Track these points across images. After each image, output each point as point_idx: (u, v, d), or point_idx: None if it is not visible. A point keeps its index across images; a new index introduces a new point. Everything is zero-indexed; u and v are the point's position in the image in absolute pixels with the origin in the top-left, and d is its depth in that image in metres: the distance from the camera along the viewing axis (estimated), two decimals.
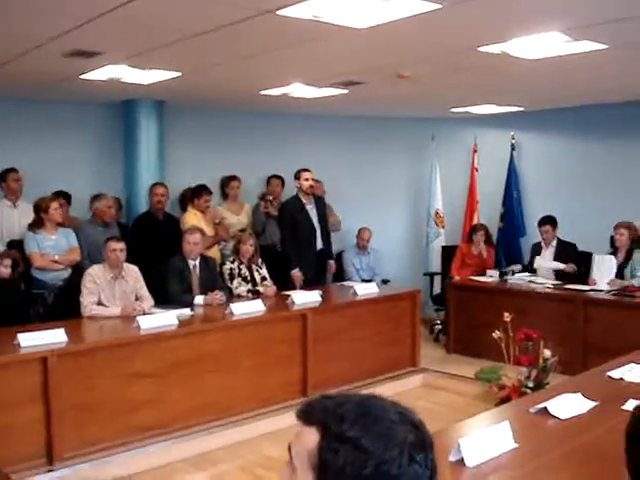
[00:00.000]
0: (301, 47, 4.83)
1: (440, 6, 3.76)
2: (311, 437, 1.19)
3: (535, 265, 7.78)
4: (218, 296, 6.24)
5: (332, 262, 7.68)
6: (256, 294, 6.65)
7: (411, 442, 1.16)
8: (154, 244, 6.97)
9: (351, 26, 4.20)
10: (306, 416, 1.22)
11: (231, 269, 6.78)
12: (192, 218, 7.36)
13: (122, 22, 4.14)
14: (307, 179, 7.27)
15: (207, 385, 5.50)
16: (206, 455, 5.18)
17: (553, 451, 2.78)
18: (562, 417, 3.11)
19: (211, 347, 5.56)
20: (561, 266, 7.57)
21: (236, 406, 5.65)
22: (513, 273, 7.75)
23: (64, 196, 7.21)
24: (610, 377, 3.77)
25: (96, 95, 7.12)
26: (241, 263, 6.82)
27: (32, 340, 4.76)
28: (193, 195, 7.59)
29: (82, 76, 5.88)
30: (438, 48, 5.03)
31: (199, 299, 6.21)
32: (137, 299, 5.96)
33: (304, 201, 7.32)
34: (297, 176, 7.34)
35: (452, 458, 2.62)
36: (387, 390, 6.46)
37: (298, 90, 6.89)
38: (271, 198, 8.22)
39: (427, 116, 9.33)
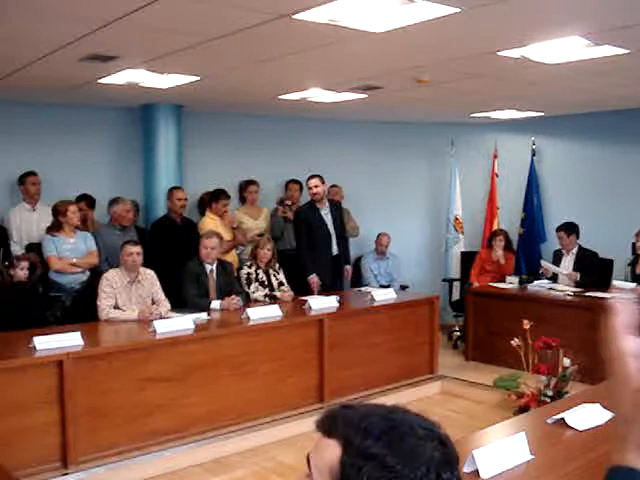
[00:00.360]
0: (318, 51, 4.81)
1: (459, 10, 3.72)
2: (332, 450, 1.14)
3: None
4: (235, 301, 6.22)
5: (349, 267, 7.64)
6: (273, 299, 6.63)
7: (438, 460, 1.11)
8: (172, 248, 6.98)
9: (368, 30, 4.17)
10: (327, 427, 1.17)
11: (248, 274, 6.76)
12: (210, 222, 7.36)
13: (139, 26, 4.13)
14: (311, 187, 7.25)
15: (223, 390, 5.48)
16: (221, 460, 5.16)
17: (570, 464, 2.72)
18: (580, 428, 3.05)
19: (227, 352, 5.54)
20: (564, 272, 7.50)
21: (252, 411, 5.63)
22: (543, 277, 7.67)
23: (88, 199, 7.24)
24: None
25: (115, 99, 7.14)
26: (258, 268, 6.80)
27: (48, 343, 4.77)
28: (211, 199, 7.58)
29: (100, 80, 5.89)
30: (457, 52, 4.98)
31: (216, 304, 6.20)
32: (153, 303, 5.96)
33: (319, 206, 7.29)
34: (307, 182, 7.34)
35: (466, 469, 2.57)
36: (404, 397, 6.43)
37: (316, 94, 6.87)
38: (289, 203, 8.20)
39: (446, 121, 9.28)
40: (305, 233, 7.23)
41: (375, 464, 1.09)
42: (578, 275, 7.42)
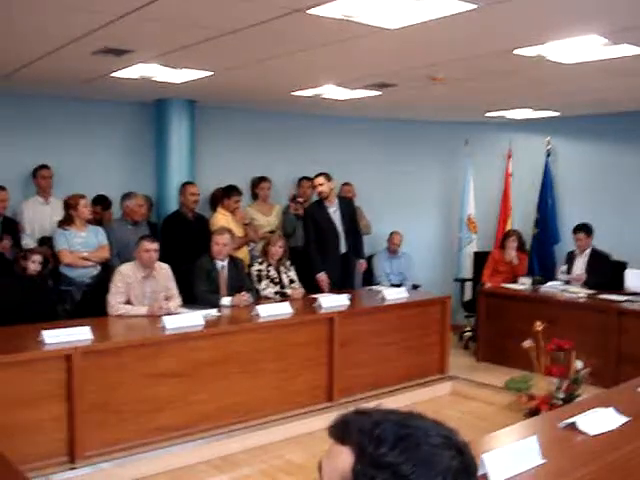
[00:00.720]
0: (332, 47, 4.76)
1: (475, 6, 3.67)
2: (345, 458, 1.10)
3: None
4: (245, 297, 6.19)
5: (363, 261, 7.60)
6: (284, 296, 6.60)
7: (455, 469, 1.08)
8: (183, 244, 6.97)
9: (383, 26, 4.13)
10: (339, 434, 1.13)
11: (259, 270, 6.73)
12: (221, 219, 7.34)
13: (153, 20, 4.11)
14: (316, 185, 7.25)
15: (232, 387, 5.46)
16: (228, 458, 5.13)
17: (582, 469, 2.68)
18: (592, 433, 3.00)
19: (237, 349, 5.52)
20: (569, 276, 7.49)
21: (260, 409, 5.60)
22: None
23: (103, 203, 7.22)
24: None
25: (128, 94, 7.14)
26: (269, 265, 6.77)
27: (57, 337, 4.76)
28: (223, 195, 7.56)
29: (113, 74, 5.87)
30: (472, 50, 4.92)
31: (226, 300, 6.18)
32: (167, 298, 5.93)
33: (327, 204, 7.26)
34: (312, 181, 7.32)
35: None
36: (414, 397, 6.40)
37: (330, 91, 6.83)
38: (302, 200, 8.17)
39: (461, 120, 9.21)
40: (313, 231, 7.21)
41: (389, 473, 1.05)
42: (584, 276, 7.37)
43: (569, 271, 7.66)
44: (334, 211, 7.27)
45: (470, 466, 1.11)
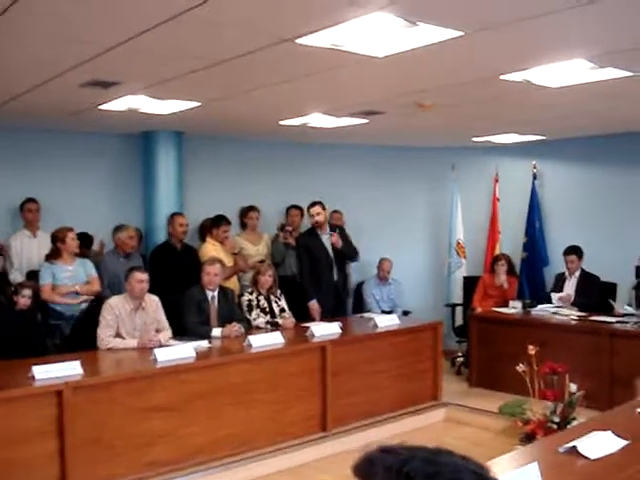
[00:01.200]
0: (320, 76, 4.79)
1: (462, 33, 3.70)
2: None
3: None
4: (236, 328, 6.15)
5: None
6: (275, 326, 6.56)
7: None
8: (172, 274, 6.92)
9: (370, 55, 4.15)
10: (365, 474, 1.10)
11: (250, 300, 6.69)
12: (211, 249, 7.32)
13: (141, 52, 4.12)
14: (313, 214, 7.23)
15: (224, 419, 5.39)
16: None
17: None
18: (592, 457, 2.97)
19: (229, 380, 5.46)
20: (557, 295, 7.50)
21: (254, 441, 5.53)
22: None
23: (84, 238, 7.17)
24: None
25: (115, 126, 7.13)
26: (260, 294, 6.74)
27: (47, 373, 4.68)
28: (212, 225, 7.55)
29: (101, 107, 5.87)
30: (459, 77, 4.96)
31: (217, 331, 6.13)
32: (157, 331, 5.88)
33: (319, 232, 7.27)
34: (308, 210, 7.33)
35: None
36: (408, 425, 6.36)
37: (317, 120, 6.85)
38: (290, 229, 8.16)
39: (447, 145, 9.26)
40: (307, 259, 7.21)
41: None
42: (572, 297, 7.38)
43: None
44: (327, 239, 7.27)
45: None
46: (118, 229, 7.03)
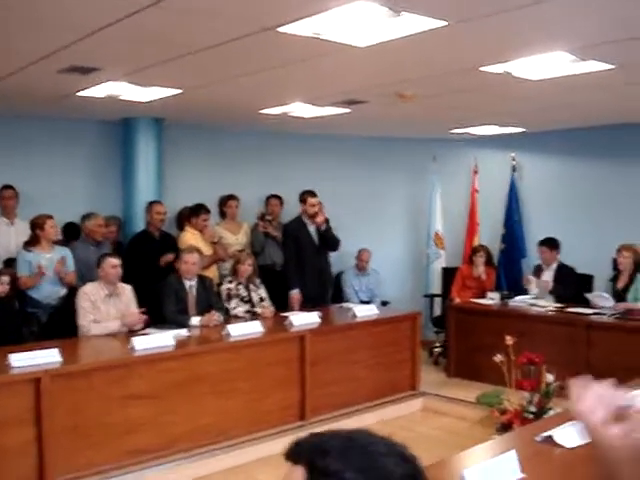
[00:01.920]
0: (301, 65, 4.78)
1: (446, 23, 3.70)
2: (298, 476, 1.15)
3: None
4: (215, 317, 6.14)
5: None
6: (254, 315, 6.56)
7: (400, 475, 1.12)
8: (150, 263, 6.90)
9: (352, 44, 4.15)
10: (294, 456, 1.18)
11: (229, 289, 6.69)
12: (190, 237, 7.29)
13: (121, 38, 4.08)
14: (314, 204, 7.27)
15: (203, 408, 5.39)
16: None
17: None
18: (568, 446, 3.00)
19: (208, 369, 5.46)
20: (535, 280, 7.59)
21: (233, 429, 5.54)
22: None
23: (71, 228, 7.14)
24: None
25: (94, 113, 7.07)
26: (239, 283, 6.73)
27: (25, 360, 4.65)
28: (191, 214, 7.52)
29: (80, 93, 5.82)
30: (441, 68, 4.98)
31: (195, 320, 6.12)
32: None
33: (306, 222, 7.29)
34: (303, 199, 7.32)
35: None
36: (386, 414, 6.38)
37: (298, 109, 6.83)
38: (270, 218, 8.15)
39: (428, 136, 9.28)
40: (293, 248, 7.24)
41: None
42: (550, 283, 7.44)
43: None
44: (314, 229, 7.31)
45: (416, 472, 1.15)
46: (86, 217, 6.97)
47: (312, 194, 7.33)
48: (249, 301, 6.72)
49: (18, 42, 4.22)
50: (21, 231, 6.62)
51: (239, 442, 5.49)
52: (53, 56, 4.47)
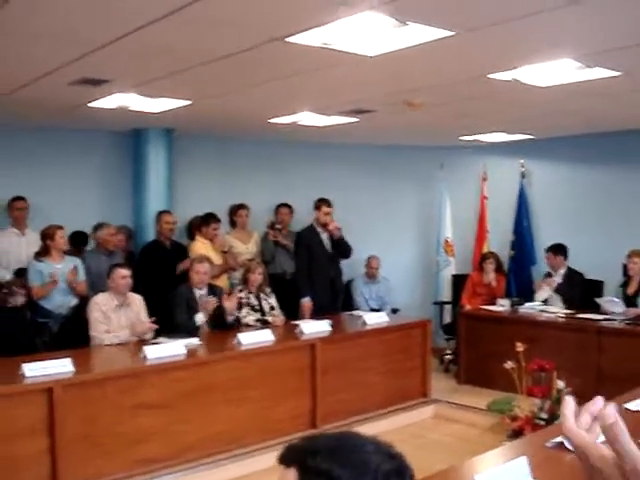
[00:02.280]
0: (311, 75, 4.81)
1: (453, 33, 3.72)
2: (291, 477, 1.18)
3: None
4: (213, 301, 6.20)
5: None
6: (264, 324, 6.58)
7: (387, 471, 1.16)
8: (162, 272, 6.93)
9: (361, 53, 4.17)
10: (286, 459, 1.21)
11: (239, 298, 6.71)
12: (201, 246, 7.32)
13: (130, 50, 4.12)
14: (327, 213, 7.31)
15: (214, 416, 5.41)
16: None
17: None
18: None
19: (219, 377, 5.48)
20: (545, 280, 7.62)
21: (244, 438, 5.55)
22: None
23: (80, 236, 7.18)
24: (628, 409, 3.67)
25: (105, 123, 7.12)
26: (250, 292, 6.75)
27: (37, 370, 4.69)
28: (201, 223, 7.55)
29: (90, 104, 5.87)
30: (449, 76, 4.99)
31: (199, 317, 6.16)
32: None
33: (319, 230, 7.33)
34: (317, 206, 7.37)
35: None
36: (397, 422, 6.38)
37: (307, 118, 6.86)
38: (280, 227, 8.18)
39: (436, 144, 9.29)
40: (306, 257, 7.28)
41: (324, 478, 1.14)
42: (556, 281, 7.43)
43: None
44: (326, 237, 7.35)
45: (402, 469, 1.19)
46: (98, 227, 7.05)
47: (327, 203, 7.37)
48: (260, 310, 6.74)
49: (30, 55, 4.26)
50: (32, 242, 6.67)
51: (250, 451, 5.50)
52: (65, 68, 4.52)
